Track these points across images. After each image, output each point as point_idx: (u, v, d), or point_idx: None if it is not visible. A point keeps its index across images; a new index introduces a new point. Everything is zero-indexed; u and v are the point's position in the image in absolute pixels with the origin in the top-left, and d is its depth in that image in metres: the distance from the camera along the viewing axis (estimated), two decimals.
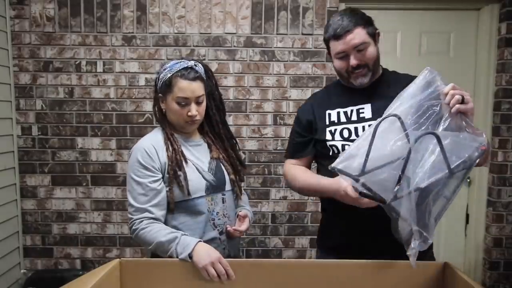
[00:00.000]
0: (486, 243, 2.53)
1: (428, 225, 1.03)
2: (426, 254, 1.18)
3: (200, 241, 1.19)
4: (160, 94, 1.31)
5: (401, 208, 1.00)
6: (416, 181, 0.99)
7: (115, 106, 2.42)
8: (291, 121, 2.42)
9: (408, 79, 1.33)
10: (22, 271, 2.45)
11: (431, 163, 1.00)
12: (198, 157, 1.34)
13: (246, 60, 2.41)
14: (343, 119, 1.34)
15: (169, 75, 1.26)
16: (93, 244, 2.48)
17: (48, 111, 2.42)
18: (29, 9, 2.35)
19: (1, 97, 2.30)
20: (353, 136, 1.30)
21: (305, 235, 2.50)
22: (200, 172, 1.31)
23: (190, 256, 1.14)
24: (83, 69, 2.40)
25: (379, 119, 1.07)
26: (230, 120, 2.41)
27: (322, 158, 1.40)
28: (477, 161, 1.02)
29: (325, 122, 1.36)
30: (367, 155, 1.02)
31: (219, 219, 1.32)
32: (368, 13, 2.68)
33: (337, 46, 1.28)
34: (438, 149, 1.00)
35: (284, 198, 2.48)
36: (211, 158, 1.36)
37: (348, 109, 1.35)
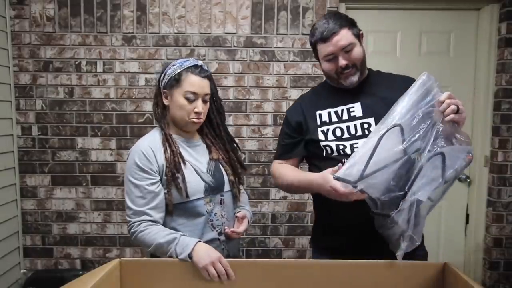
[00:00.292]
0: (486, 243, 2.53)
1: (418, 229, 1.10)
2: (417, 249, 1.19)
3: (200, 241, 1.19)
4: (165, 90, 1.30)
5: (400, 218, 1.06)
6: (418, 194, 1.04)
7: (115, 106, 2.42)
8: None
9: (391, 78, 1.40)
10: (22, 271, 2.45)
11: (432, 177, 1.05)
12: (197, 158, 1.33)
13: (246, 60, 2.41)
14: (334, 118, 1.36)
15: (179, 70, 1.27)
16: (93, 244, 2.48)
17: (48, 111, 2.42)
18: (29, 9, 2.35)
19: (1, 97, 2.30)
20: (346, 135, 1.32)
21: (305, 235, 2.50)
22: (198, 174, 1.30)
23: (190, 256, 1.14)
24: (83, 69, 2.40)
25: (383, 130, 1.08)
26: (230, 120, 2.41)
27: (315, 158, 1.40)
28: (463, 170, 1.08)
29: (317, 123, 1.37)
30: (367, 163, 1.05)
31: (217, 219, 1.31)
32: (368, 13, 2.69)
33: (325, 49, 1.30)
34: (440, 164, 1.05)
35: (284, 198, 2.48)
36: (210, 159, 1.35)
37: (339, 109, 1.37)
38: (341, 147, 1.31)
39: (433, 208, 1.13)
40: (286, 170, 1.41)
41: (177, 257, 1.16)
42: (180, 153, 1.28)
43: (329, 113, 1.37)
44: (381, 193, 1.07)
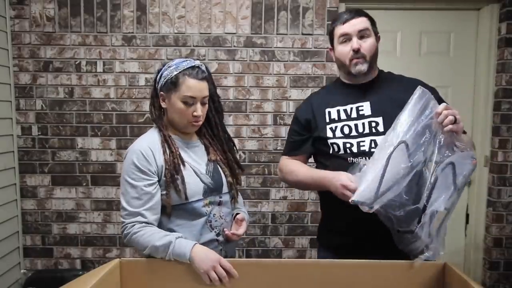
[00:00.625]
0: (486, 243, 2.53)
1: (440, 239, 1.13)
2: None
3: (196, 243, 1.17)
4: (161, 92, 1.27)
5: (422, 233, 1.10)
6: (435, 205, 1.09)
7: (115, 106, 2.42)
8: (291, 121, 2.43)
9: (402, 79, 1.42)
10: (22, 271, 2.45)
11: (445, 186, 1.10)
12: (196, 159, 1.32)
13: (246, 60, 2.41)
14: (343, 116, 1.37)
15: (175, 72, 1.23)
16: (93, 244, 2.48)
17: (48, 111, 2.42)
18: (29, 9, 2.35)
19: (1, 97, 2.30)
20: (353, 133, 1.34)
21: (305, 235, 2.50)
22: (198, 175, 1.28)
23: (189, 260, 1.13)
24: (83, 69, 2.40)
25: (391, 148, 1.11)
26: (230, 120, 2.41)
27: (321, 156, 1.42)
28: (471, 175, 1.12)
29: (325, 120, 1.39)
30: (380, 183, 1.09)
31: (216, 221, 1.30)
32: (368, 13, 2.68)
33: (341, 29, 1.35)
34: (450, 173, 1.10)
35: (284, 198, 2.48)
36: (208, 160, 1.34)
37: (348, 107, 1.38)
38: (348, 145, 1.33)
39: (450, 216, 1.15)
40: (297, 167, 1.44)
41: (174, 260, 1.15)
42: (179, 155, 1.26)
43: (338, 111, 1.39)
44: (396, 209, 1.10)
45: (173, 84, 1.23)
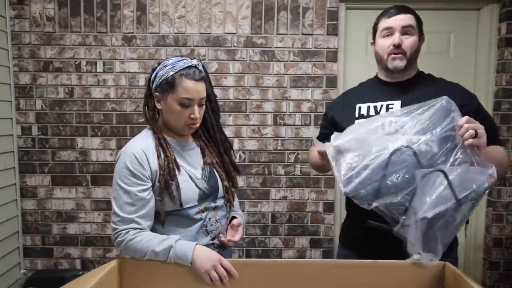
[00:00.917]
0: (486, 243, 2.53)
1: (435, 250, 1.10)
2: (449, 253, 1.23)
3: (196, 244, 1.15)
4: (156, 93, 1.22)
5: (409, 234, 1.09)
6: (423, 211, 1.06)
7: (115, 106, 2.42)
8: (291, 121, 2.43)
9: (440, 84, 1.39)
10: (22, 271, 2.45)
11: (438, 194, 1.07)
12: (191, 163, 1.27)
13: (246, 60, 2.41)
14: (372, 112, 1.39)
15: (171, 73, 1.17)
16: (93, 244, 2.48)
17: (48, 111, 2.42)
18: (29, 9, 2.35)
19: (1, 97, 2.30)
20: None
21: (305, 235, 2.50)
22: (193, 180, 1.23)
23: (191, 262, 1.12)
24: (83, 69, 2.40)
25: (392, 149, 1.11)
26: (230, 120, 2.41)
27: None
28: (486, 191, 1.08)
29: (355, 115, 1.41)
30: (380, 183, 1.09)
31: (211, 225, 1.26)
32: (368, 13, 2.69)
33: (385, 23, 1.37)
34: (446, 182, 1.06)
35: (284, 198, 2.48)
36: (204, 163, 1.29)
37: (378, 104, 1.39)
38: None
39: (456, 231, 1.13)
40: (314, 151, 1.45)
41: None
42: (174, 159, 1.21)
43: (368, 107, 1.40)
44: (402, 213, 1.09)
45: (169, 85, 1.18)
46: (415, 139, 1.13)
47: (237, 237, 1.29)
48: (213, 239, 1.27)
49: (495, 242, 2.46)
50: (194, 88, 1.18)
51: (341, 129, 1.34)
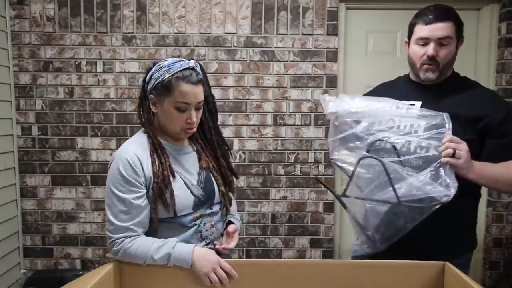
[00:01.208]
0: (486, 243, 2.53)
1: (380, 236, 1.17)
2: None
3: (194, 246, 1.14)
4: (151, 95, 1.17)
5: (352, 207, 1.19)
6: (364, 192, 1.16)
7: (115, 106, 2.42)
8: (291, 121, 2.43)
9: (474, 92, 1.33)
10: (22, 271, 2.45)
11: (378, 184, 1.14)
12: (187, 168, 1.23)
13: (246, 60, 2.41)
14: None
15: (167, 75, 1.12)
16: (93, 244, 2.48)
17: (48, 111, 2.42)
18: (29, 9, 2.35)
19: (1, 97, 2.30)
20: (397, 129, 1.33)
21: (305, 235, 2.50)
22: (188, 187, 1.19)
23: (191, 266, 1.12)
24: (83, 69, 2.40)
25: (383, 138, 1.18)
26: (230, 120, 2.41)
27: None
28: (434, 207, 1.12)
29: None
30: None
31: (206, 230, 1.23)
32: (368, 13, 2.68)
33: (422, 31, 1.29)
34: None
35: (284, 198, 2.48)
36: (200, 168, 1.25)
37: (401, 103, 1.35)
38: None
39: (405, 227, 1.17)
40: None
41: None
42: (169, 165, 1.17)
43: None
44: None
45: (165, 88, 1.13)
46: (400, 139, 1.17)
47: (232, 244, 1.25)
48: (207, 244, 1.23)
49: (495, 242, 2.46)
50: (191, 92, 1.13)
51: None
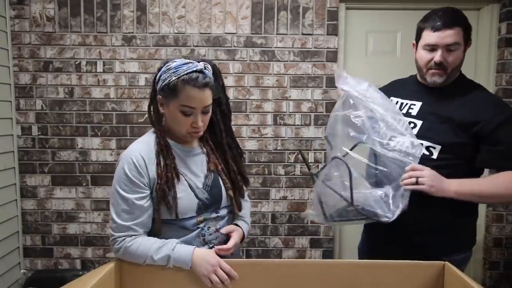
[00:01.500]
0: (486, 243, 2.53)
1: (324, 214, 1.28)
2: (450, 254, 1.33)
3: (194, 248, 1.13)
4: (159, 96, 1.16)
5: (319, 185, 1.29)
6: (332, 181, 1.27)
7: (115, 106, 2.42)
8: (291, 121, 2.43)
9: (472, 95, 1.34)
10: (22, 271, 2.45)
11: (342, 181, 1.24)
12: (194, 170, 1.21)
13: (246, 60, 2.41)
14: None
15: (174, 78, 1.10)
16: (93, 244, 2.48)
17: (48, 111, 2.42)
18: (29, 9, 2.35)
19: (1, 97, 2.30)
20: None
21: (305, 235, 2.50)
22: (193, 190, 1.17)
23: (191, 267, 1.12)
24: (83, 69, 2.40)
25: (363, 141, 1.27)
26: None
27: None
28: (373, 219, 1.23)
29: None
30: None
31: (210, 234, 1.21)
32: (368, 13, 2.68)
33: (430, 38, 1.30)
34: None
35: (284, 198, 2.48)
36: (208, 170, 1.22)
37: (404, 102, 1.43)
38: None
39: (347, 222, 1.30)
40: None
41: None
42: (174, 167, 1.16)
43: (396, 103, 1.44)
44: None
45: (171, 90, 1.11)
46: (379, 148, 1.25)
47: (230, 243, 1.19)
48: (211, 248, 1.20)
49: (495, 242, 2.46)
50: (197, 96, 1.10)
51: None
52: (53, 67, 2.39)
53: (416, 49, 1.38)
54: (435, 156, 1.30)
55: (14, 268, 2.39)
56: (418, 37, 1.37)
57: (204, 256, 1.12)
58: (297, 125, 2.44)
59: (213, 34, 2.39)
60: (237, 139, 1.37)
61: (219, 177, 1.24)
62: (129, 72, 2.40)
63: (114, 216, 1.15)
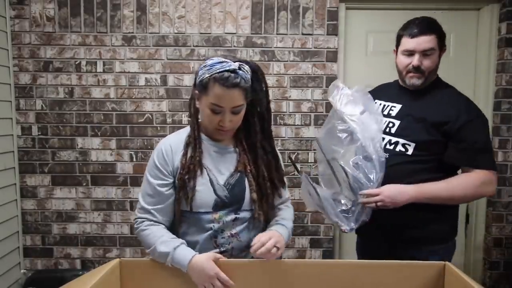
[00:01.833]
0: (486, 243, 2.53)
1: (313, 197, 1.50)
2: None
3: (194, 255, 1.11)
4: (196, 91, 1.18)
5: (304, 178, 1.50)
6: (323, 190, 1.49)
7: (115, 106, 2.42)
8: (291, 121, 2.43)
9: (445, 96, 1.49)
10: (22, 271, 2.45)
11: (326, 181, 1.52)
12: (220, 167, 1.21)
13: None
14: (380, 109, 1.56)
15: (207, 75, 1.11)
16: (93, 244, 2.48)
17: (48, 111, 2.42)
18: (29, 9, 2.35)
19: (1, 97, 2.30)
20: None
21: (305, 235, 2.50)
22: (213, 185, 1.18)
23: (187, 272, 1.11)
24: (83, 69, 2.40)
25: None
26: None
27: None
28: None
29: None
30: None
31: (223, 238, 1.19)
32: (368, 13, 2.69)
33: (408, 44, 1.43)
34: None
35: None
36: (235, 170, 1.21)
37: (386, 104, 1.56)
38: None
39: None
40: None
41: None
42: (199, 160, 1.17)
43: (380, 104, 1.58)
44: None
45: (203, 87, 1.12)
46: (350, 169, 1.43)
47: (263, 249, 1.10)
48: (222, 252, 1.18)
49: (495, 242, 2.46)
50: (225, 96, 1.10)
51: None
52: (53, 67, 2.39)
53: (396, 55, 1.51)
54: (410, 152, 1.44)
55: (14, 268, 2.39)
56: (397, 44, 1.50)
57: (202, 265, 1.09)
58: (297, 125, 2.44)
59: (213, 34, 2.39)
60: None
61: (246, 178, 1.22)
62: (129, 72, 2.40)
63: (140, 198, 1.22)
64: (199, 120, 1.24)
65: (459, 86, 2.48)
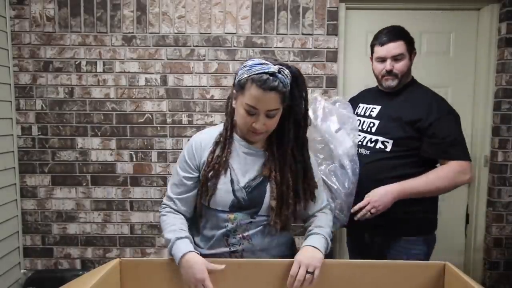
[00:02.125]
0: (486, 243, 2.53)
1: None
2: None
3: (189, 252, 1.11)
4: (234, 91, 1.19)
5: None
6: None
7: (115, 106, 2.42)
8: None
9: (418, 96, 1.63)
10: (22, 271, 2.45)
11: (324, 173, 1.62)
12: (245, 168, 1.21)
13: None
14: (361, 112, 1.73)
15: (245, 75, 1.11)
16: (93, 244, 2.48)
17: (48, 111, 2.42)
18: (29, 9, 2.35)
19: (1, 97, 2.30)
20: (360, 127, 1.69)
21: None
22: (233, 186, 1.18)
23: (178, 265, 1.13)
24: (83, 69, 2.40)
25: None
26: None
27: None
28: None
29: (357, 112, 1.75)
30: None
31: (234, 238, 1.21)
32: (368, 13, 2.69)
33: (379, 52, 1.60)
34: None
35: None
36: (258, 174, 1.20)
37: (367, 106, 1.72)
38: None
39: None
40: None
41: None
42: (225, 160, 1.18)
43: (362, 107, 1.74)
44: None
45: (241, 87, 1.13)
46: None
47: (296, 283, 1.11)
48: (231, 252, 1.22)
49: (495, 242, 2.46)
50: (260, 98, 1.09)
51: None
52: (53, 67, 2.39)
53: (372, 63, 1.67)
54: (388, 149, 1.57)
55: (14, 268, 2.39)
56: (372, 53, 1.67)
57: (193, 264, 1.09)
58: None
59: (213, 34, 2.39)
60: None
61: (268, 184, 1.20)
62: (129, 72, 2.40)
63: (168, 186, 1.28)
64: (234, 119, 1.23)
65: (459, 86, 2.51)
